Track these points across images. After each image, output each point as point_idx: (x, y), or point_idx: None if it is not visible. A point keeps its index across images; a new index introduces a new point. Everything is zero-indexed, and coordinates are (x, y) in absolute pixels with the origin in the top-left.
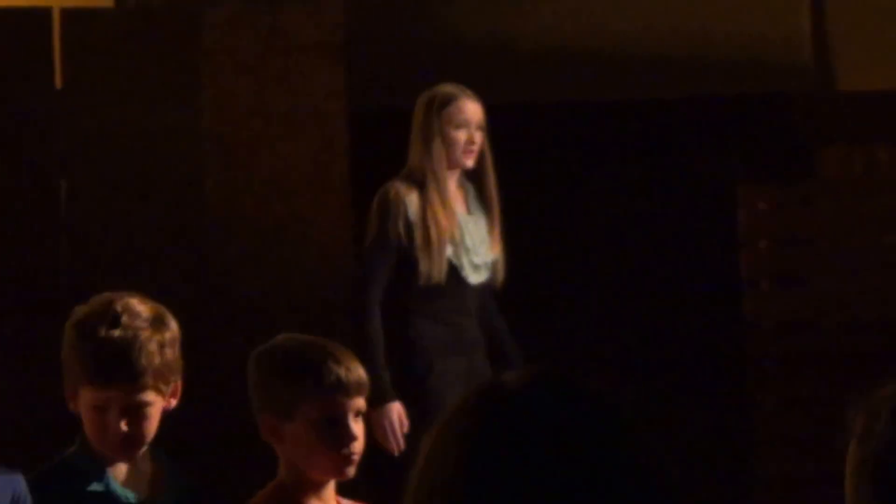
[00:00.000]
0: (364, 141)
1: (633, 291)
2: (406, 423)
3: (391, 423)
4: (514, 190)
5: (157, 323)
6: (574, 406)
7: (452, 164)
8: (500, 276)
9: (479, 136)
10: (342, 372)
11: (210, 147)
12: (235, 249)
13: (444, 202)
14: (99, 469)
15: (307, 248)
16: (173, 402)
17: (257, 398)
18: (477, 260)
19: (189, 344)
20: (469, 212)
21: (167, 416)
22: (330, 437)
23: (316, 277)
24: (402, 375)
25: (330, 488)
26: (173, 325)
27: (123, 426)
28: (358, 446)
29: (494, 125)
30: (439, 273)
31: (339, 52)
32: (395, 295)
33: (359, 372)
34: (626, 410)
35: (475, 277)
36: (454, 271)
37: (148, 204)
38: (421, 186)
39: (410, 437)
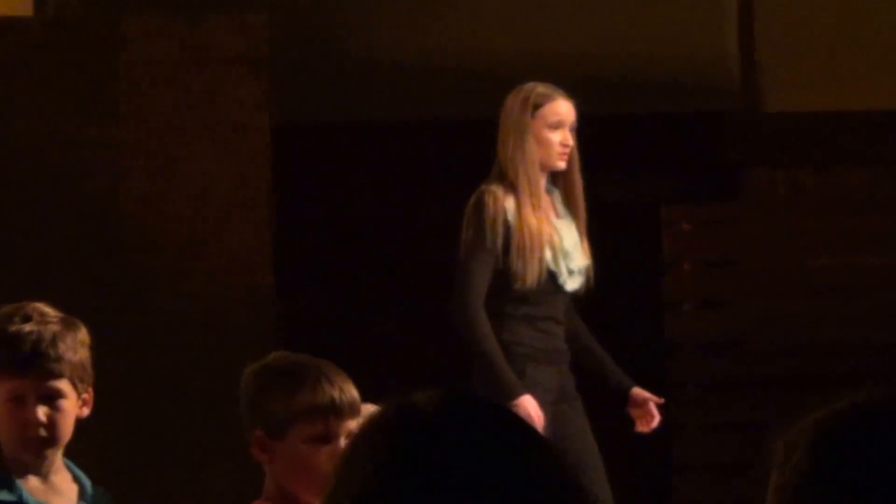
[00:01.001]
0: (287, 156)
1: None
2: (542, 414)
3: (529, 417)
4: (445, 205)
5: (68, 323)
6: (485, 425)
7: (545, 165)
8: (590, 283)
9: (572, 138)
10: (336, 393)
11: (129, 160)
12: (153, 263)
13: (539, 205)
14: (8, 479)
15: (227, 263)
16: (86, 412)
17: (250, 414)
18: (573, 266)
19: (104, 356)
20: (559, 216)
21: (80, 427)
22: (320, 459)
23: (235, 292)
24: (493, 381)
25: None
26: (84, 332)
27: (41, 415)
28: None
29: (420, 140)
30: (534, 279)
31: (262, 65)
32: (492, 298)
33: (352, 394)
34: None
35: (571, 284)
36: (552, 277)
37: (65, 216)
38: (514, 189)
39: None
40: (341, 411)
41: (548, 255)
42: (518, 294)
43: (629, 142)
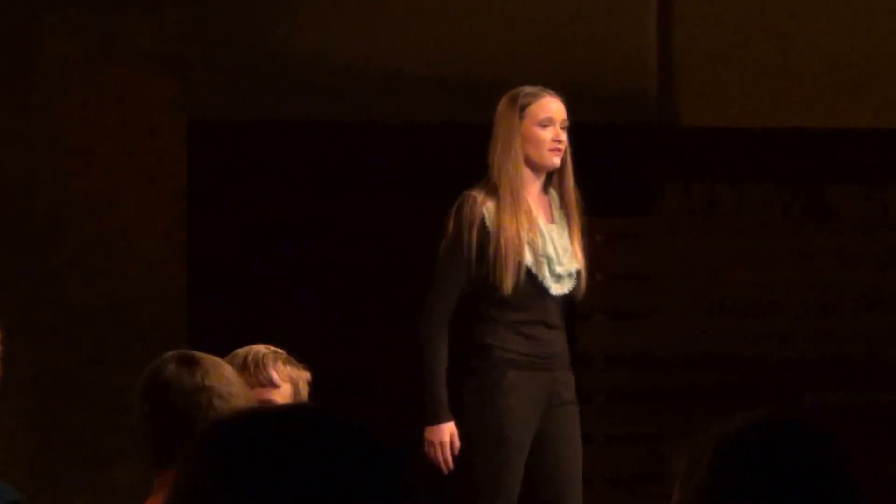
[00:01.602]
0: (200, 153)
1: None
2: (458, 444)
3: (442, 443)
4: (355, 205)
5: None
6: (299, 436)
7: (539, 164)
8: (583, 286)
9: (564, 135)
10: None
11: (41, 155)
12: (64, 258)
13: (519, 208)
14: None
15: (137, 260)
16: None
17: None
18: (560, 270)
19: (14, 351)
20: (553, 220)
21: None
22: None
23: (145, 290)
24: (474, 384)
25: None
26: None
27: None
28: None
29: (331, 140)
30: (511, 284)
31: (177, 63)
32: (477, 301)
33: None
34: (368, 436)
35: (557, 288)
36: (534, 281)
37: None
38: (496, 193)
39: (473, 449)
40: None
41: (528, 259)
42: (500, 298)
43: None
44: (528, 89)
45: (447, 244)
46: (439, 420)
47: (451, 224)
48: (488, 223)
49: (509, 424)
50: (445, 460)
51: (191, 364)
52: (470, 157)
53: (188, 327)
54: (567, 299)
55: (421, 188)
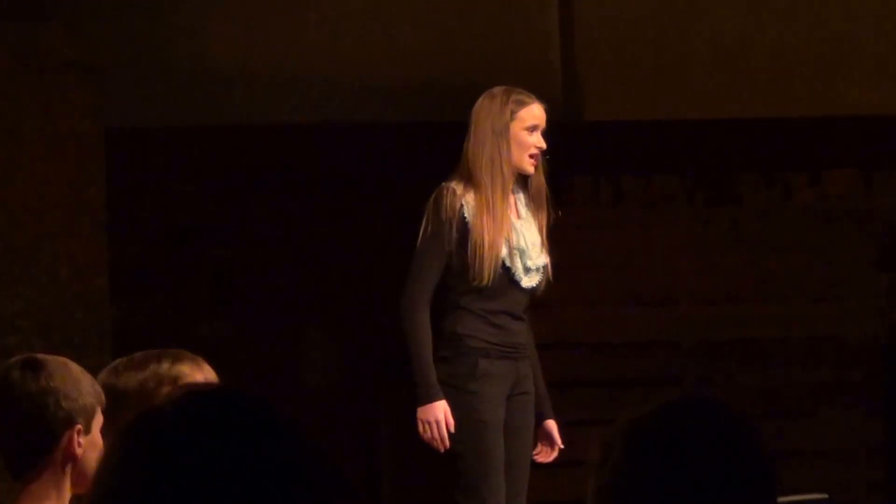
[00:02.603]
0: (120, 160)
1: (377, 317)
2: (451, 422)
3: (437, 421)
4: (275, 207)
5: None
6: (220, 417)
7: (517, 167)
8: (549, 281)
9: (543, 143)
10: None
11: None
12: None
13: (500, 204)
14: None
15: (62, 266)
16: None
17: None
18: (530, 263)
19: None
20: (520, 216)
21: None
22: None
23: (70, 294)
24: (446, 372)
25: None
26: None
27: None
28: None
29: (249, 144)
30: (490, 276)
31: (95, 72)
32: (447, 291)
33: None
34: (281, 416)
35: (527, 281)
36: (507, 273)
37: None
38: (476, 187)
39: (453, 437)
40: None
41: (503, 251)
42: (472, 289)
43: (453, 149)
44: (517, 93)
45: (427, 234)
46: (431, 399)
47: (430, 214)
48: (467, 215)
49: (486, 408)
50: (441, 438)
51: (35, 368)
52: (392, 156)
53: (113, 332)
54: (532, 293)
55: (336, 188)
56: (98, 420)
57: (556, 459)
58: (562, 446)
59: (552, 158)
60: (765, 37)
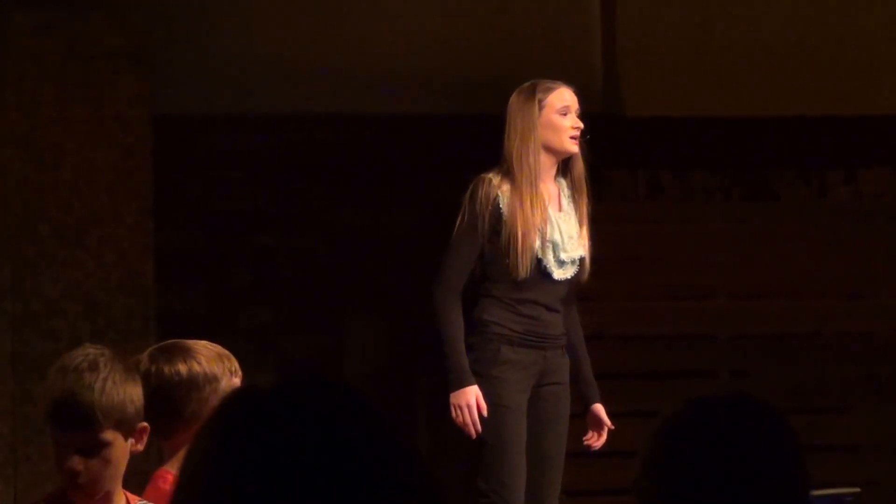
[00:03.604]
0: (167, 147)
1: (416, 306)
2: (484, 405)
3: (469, 405)
4: (320, 197)
5: (112, 364)
6: (321, 405)
7: (559, 150)
8: (586, 273)
9: (580, 123)
10: (61, 399)
11: (13, 150)
12: (35, 250)
13: (536, 195)
14: None
15: (106, 252)
16: (140, 448)
17: None
18: (564, 256)
19: None
20: (562, 208)
21: None
22: (58, 461)
23: (115, 280)
24: (471, 358)
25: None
26: (132, 366)
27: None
28: (82, 479)
29: (294, 134)
30: (524, 268)
31: (143, 59)
32: (481, 280)
33: (84, 404)
34: (376, 409)
35: (560, 273)
36: (539, 265)
37: None
38: (512, 179)
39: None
40: (59, 421)
41: (537, 243)
42: (504, 279)
43: (493, 142)
44: (544, 82)
45: (464, 224)
46: (462, 384)
47: (466, 205)
48: (502, 206)
49: (507, 393)
50: (473, 422)
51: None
52: (431, 147)
53: (157, 317)
54: (570, 284)
55: (379, 178)
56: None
57: (589, 451)
58: (612, 427)
59: (591, 152)
60: (803, 35)
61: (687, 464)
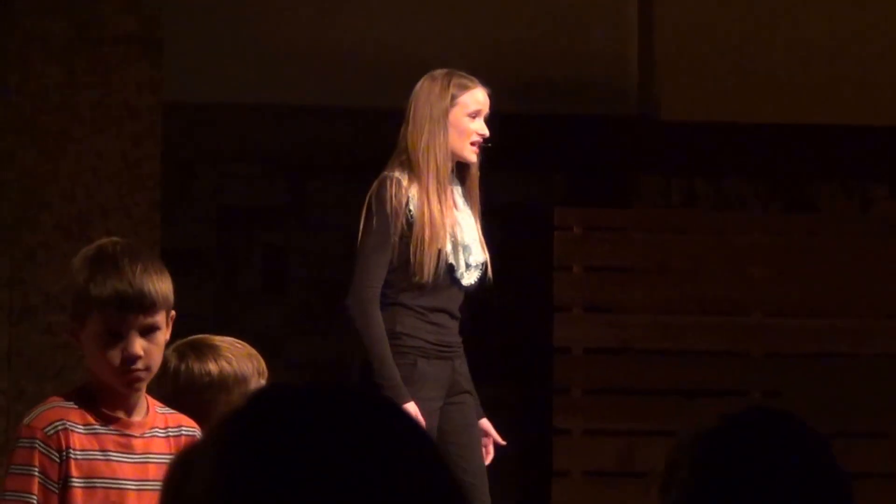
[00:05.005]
0: (177, 135)
1: None
2: (423, 422)
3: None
4: (331, 190)
5: (150, 254)
6: (340, 415)
7: (457, 155)
8: (490, 278)
9: (486, 129)
10: (121, 286)
11: (17, 136)
12: (39, 241)
13: (444, 196)
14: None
15: None
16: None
17: (69, 300)
18: (471, 260)
19: None
20: (457, 208)
21: None
22: (111, 352)
23: None
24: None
25: (137, 394)
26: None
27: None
28: (142, 363)
29: (304, 125)
30: (432, 271)
31: (154, 44)
32: (389, 288)
33: (145, 287)
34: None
35: (468, 278)
36: (450, 270)
37: None
38: (419, 178)
39: None
40: (127, 306)
41: (448, 247)
42: (415, 285)
43: (524, 142)
44: (458, 76)
45: (374, 226)
46: (400, 402)
47: (374, 206)
48: (412, 208)
49: (425, 414)
50: None
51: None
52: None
53: None
54: (470, 291)
55: None
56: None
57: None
58: (502, 442)
59: (624, 155)
60: (848, 41)
61: (720, 485)
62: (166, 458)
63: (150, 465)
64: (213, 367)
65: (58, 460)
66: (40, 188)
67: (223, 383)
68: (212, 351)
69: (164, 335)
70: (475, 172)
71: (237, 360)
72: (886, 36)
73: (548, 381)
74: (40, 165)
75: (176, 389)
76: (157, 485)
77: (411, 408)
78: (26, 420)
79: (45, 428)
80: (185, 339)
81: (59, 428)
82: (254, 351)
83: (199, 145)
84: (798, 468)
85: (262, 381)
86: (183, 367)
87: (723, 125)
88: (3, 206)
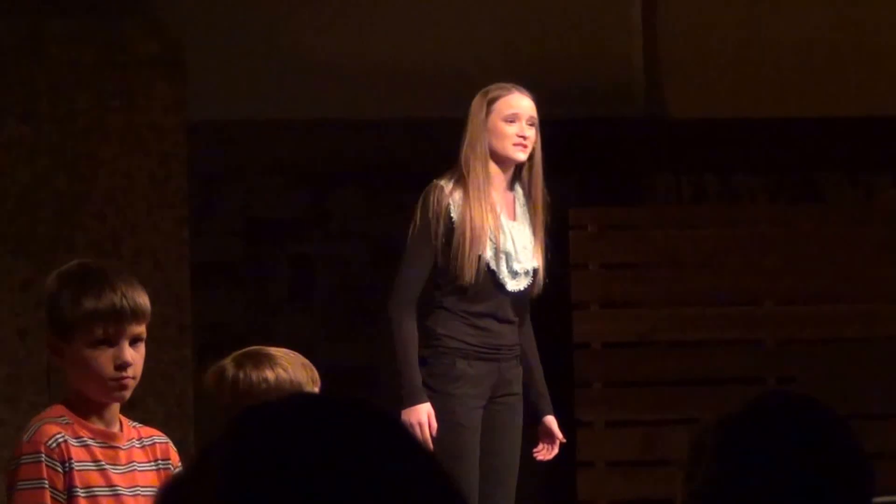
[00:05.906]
0: (203, 154)
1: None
2: (435, 424)
3: (420, 424)
4: (357, 203)
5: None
6: (335, 422)
7: (503, 157)
8: (540, 284)
9: (531, 132)
10: (117, 298)
11: (47, 159)
12: (70, 260)
13: (485, 201)
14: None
15: (142, 261)
16: None
17: (47, 317)
18: (517, 267)
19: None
20: (515, 217)
21: None
22: (102, 361)
23: (151, 289)
24: (425, 372)
25: (113, 409)
26: None
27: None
28: (131, 371)
29: (333, 141)
30: (471, 275)
31: (178, 66)
32: (433, 290)
33: (136, 300)
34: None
35: (513, 284)
36: (492, 275)
37: None
38: (464, 185)
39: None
40: (121, 317)
41: (489, 253)
42: (456, 289)
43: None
44: (498, 85)
45: (416, 231)
46: (414, 402)
47: (418, 212)
48: (453, 213)
49: (462, 410)
50: (424, 441)
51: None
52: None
53: (194, 326)
54: (523, 296)
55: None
56: None
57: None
58: (563, 440)
59: (634, 154)
60: (851, 34)
61: (745, 469)
62: (147, 466)
63: (136, 474)
64: (269, 374)
65: (62, 471)
66: (72, 209)
67: (280, 390)
68: (268, 359)
69: (144, 347)
70: (537, 178)
71: (293, 368)
72: (886, 27)
73: (569, 376)
74: (71, 187)
75: (235, 396)
76: (147, 490)
77: (423, 409)
78: (25, 437)
79: (47, 442)
80: (240, 350)
81: (60, 441)
82: (306, 360)
83: (226, 161)
84: (820, 451)
85: (316, 389)
86: (241, 374)
87: (729, 121)
88: (39, 228)
